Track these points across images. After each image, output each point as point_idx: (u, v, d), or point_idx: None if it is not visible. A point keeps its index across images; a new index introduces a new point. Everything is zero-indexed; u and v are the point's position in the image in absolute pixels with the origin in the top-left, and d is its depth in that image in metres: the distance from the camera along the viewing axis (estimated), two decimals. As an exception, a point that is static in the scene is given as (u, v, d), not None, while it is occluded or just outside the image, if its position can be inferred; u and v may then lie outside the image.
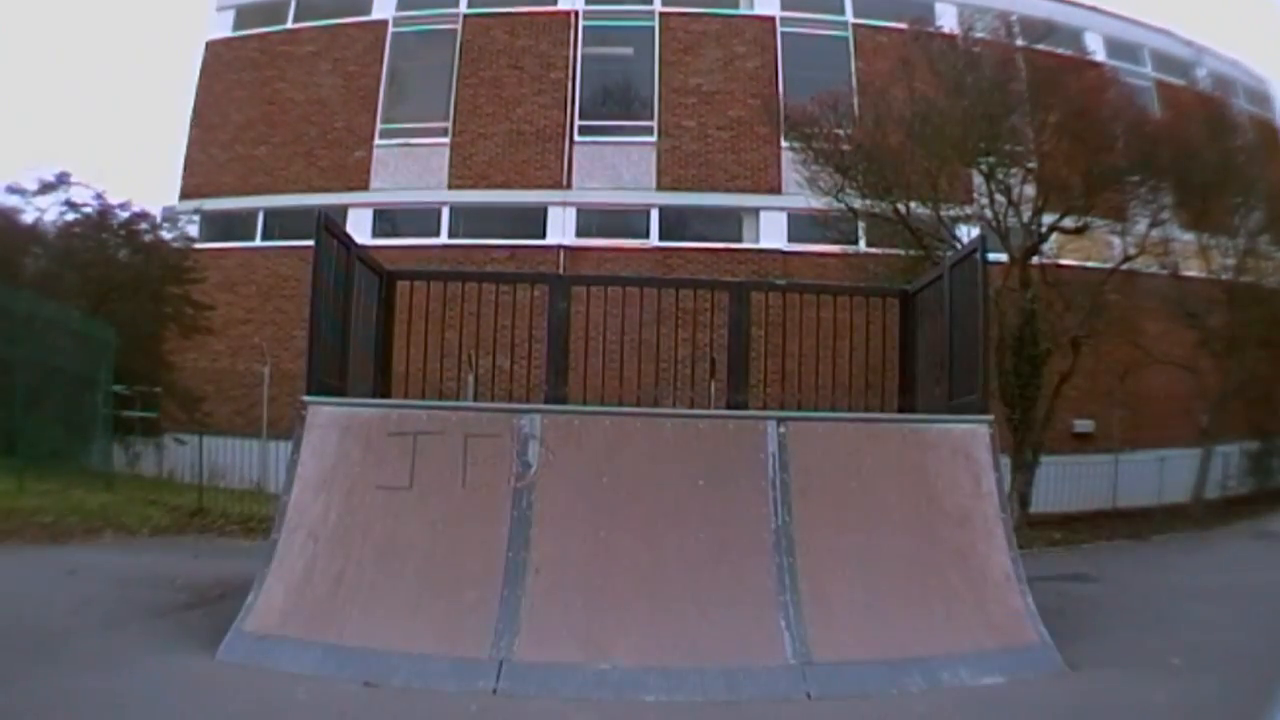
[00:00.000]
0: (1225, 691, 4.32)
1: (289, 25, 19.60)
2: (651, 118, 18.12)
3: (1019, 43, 14.53)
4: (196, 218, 18.24)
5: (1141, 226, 14.35)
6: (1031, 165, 13.89)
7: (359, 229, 16.27)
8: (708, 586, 4.91)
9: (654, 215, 18.01)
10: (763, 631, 4.76)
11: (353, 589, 4.88)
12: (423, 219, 18.06)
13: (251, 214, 18.72)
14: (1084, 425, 16.38)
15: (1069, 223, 13.84)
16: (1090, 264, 14.43)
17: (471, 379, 8.05)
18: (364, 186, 18.23)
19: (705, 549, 5.04)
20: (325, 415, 5.45)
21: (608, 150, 18.09)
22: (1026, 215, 13.65)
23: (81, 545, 8.45)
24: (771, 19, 18.61)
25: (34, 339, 11.85)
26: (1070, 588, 7.28)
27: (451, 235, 17.89)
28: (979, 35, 14.68)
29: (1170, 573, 8.94)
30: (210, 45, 19.79)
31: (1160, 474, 14.81)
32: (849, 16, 18.64)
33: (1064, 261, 14.34)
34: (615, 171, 17.97)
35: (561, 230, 17.74)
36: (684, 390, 10.04)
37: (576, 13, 18.60)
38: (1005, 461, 7.44)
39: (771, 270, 16.49)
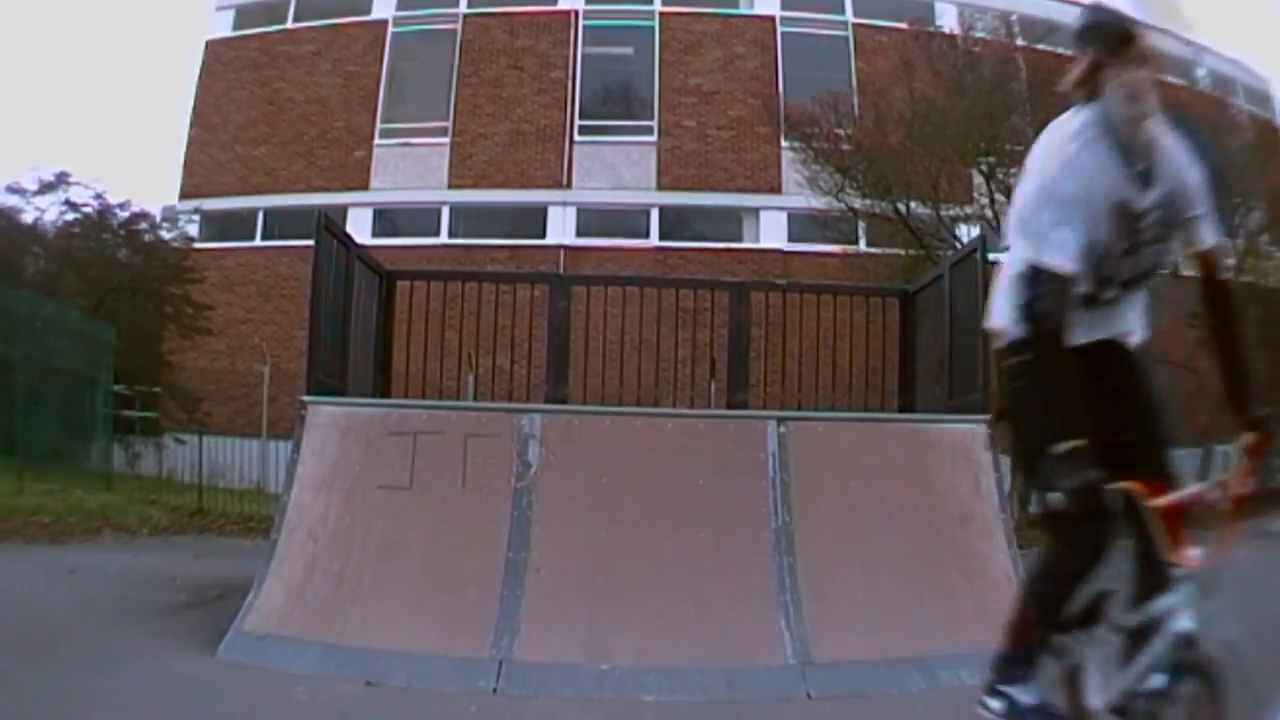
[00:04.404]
0: (1226, 691, 4.30)
1: (289, 25, 19.62)
2: (651, 117, 18.14)
3: (1019, 43, 14.55)
4: (196, 218, 18.27)
5: (1141, 226, 14.35)
6: (1031, 165, 13.90)
7: (359, 229, 16.28)
8: (708, 586, 4.90)
9: (654, 215, 18.02)
10: (763, 631, 4.76)
11: (353, 589, 4.87)
12: (423, 219, 18.08)
13: (251, 214, 18.75)
14: (1084, 425, 16.35)
15: (1069, 222, 13.84)
16: (1090, 264, 14.42)
17: (471, 379, 8.04)
18: (364, 186, 18.25)
19: (705, 549, 5.03)
20: (325, 415, 5.45)
21: (608, 150, 18.10)
22: (1027, 215, 13.65)
23: (81, 545, 8.42)
24: (771, 19, 18.64)
25: (34, 339, 11.85)
26: (1070, 588, 7.25)
27: (451, 235, 17.92)
28: (979, 35, 14.71)
29: (1170, 573, 8.91)
30: (210, 45, 19.81)
31: (1160, 474, 14.76)
32: (849, 16, 18.67)
33: (1064, 261, 14.33)
34: (615, 171, 17.98)
35: (561, 230, 17.76)
36: (684, 390, 10.05)
37: (576, 12, 18.62)
38: (1005, 461, 7.43)
39: (771, 270, 16.50)
